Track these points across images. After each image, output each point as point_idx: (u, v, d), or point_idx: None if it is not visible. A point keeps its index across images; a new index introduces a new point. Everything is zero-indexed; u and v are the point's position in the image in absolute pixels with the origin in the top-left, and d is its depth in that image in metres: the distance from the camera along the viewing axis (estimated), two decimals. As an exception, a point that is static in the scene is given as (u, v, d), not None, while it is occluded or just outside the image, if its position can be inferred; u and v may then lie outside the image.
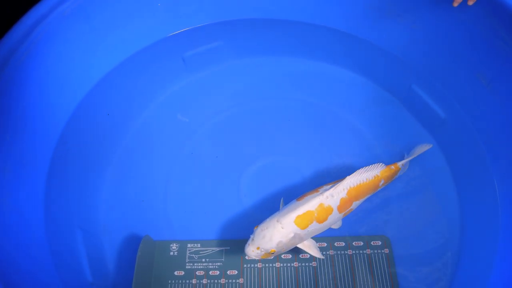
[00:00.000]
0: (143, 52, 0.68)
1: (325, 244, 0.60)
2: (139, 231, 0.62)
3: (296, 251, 0.59)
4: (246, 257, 0.53)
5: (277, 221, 0.51)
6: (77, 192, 0.60)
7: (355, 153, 0.67)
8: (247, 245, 0.52)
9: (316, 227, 0.53)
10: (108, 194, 0.64)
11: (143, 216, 0.63)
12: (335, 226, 0.58)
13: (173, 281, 0.58)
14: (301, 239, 0.53)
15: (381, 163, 0.57)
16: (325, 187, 0.55)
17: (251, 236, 0.52)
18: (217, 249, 0.60)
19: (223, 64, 0.75)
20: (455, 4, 0.55)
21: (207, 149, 0.68)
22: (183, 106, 0.72)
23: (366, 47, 0.69)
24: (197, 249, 0.60)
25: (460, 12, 0.57)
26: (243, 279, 0.58)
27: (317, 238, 0.60)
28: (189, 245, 0.60)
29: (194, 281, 0.58)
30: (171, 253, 0.60)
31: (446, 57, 0.62)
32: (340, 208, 0.54)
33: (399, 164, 0.59)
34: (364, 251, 0.59)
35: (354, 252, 0.59)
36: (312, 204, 0.52)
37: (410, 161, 0.63)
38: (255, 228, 0.52)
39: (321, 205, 0.52)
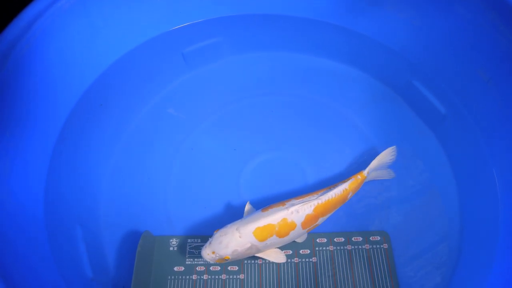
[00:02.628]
0: (142, 47, 0.68)
1: (325, 240, 0.60)
2: (139, 226, 0.62)
3: (296, 246, 0.59)
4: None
5: (237, 229, 0.51)
6: (77, 188, 0.60)
7: (355, 148, 0.67)
8: (203, 247, 0.51)
9: (276, 241, 0.52)
10: (108, 189, 0.64)
11: (143, 211, 0.63)
12: (299, 240, 0.57)
13: (173, 277, 0.58)
14: (258, 250, 0.53)
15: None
16: (292, 201, 0.54)
17: (210, 239, 0.51)
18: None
19: (222, 59, 0.75)
20: None
21: (207, 145, 0.68)
22: (182, 102, 0.72)
23: (366, 42, 0.69)
24: (197, 244, 0.60)
25: (461, 7, 0.57)
26: (243, 275, 0.58)
27: (316, 234, 0.60)
28: (189, 240, 0.60)
29: (194, 276, 0.58)
30: (171, 249, 0.60)
31: (446, 53, 0.62)
32: (304, 225, 0.53)
33: (365, 172, 0.59)
34: (363, 247, 0.59)
35: (353, 247, 0.59)
36: (275, 217, 0.51)
37: (411, 157, 0.63)
38: (215, 231, 0.52)
39: (284, 219, 0.51)
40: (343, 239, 0.60)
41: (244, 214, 0.57)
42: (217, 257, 0.51)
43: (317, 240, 0.60)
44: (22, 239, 0.48)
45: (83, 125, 0.62)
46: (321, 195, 0.54)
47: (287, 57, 0.75)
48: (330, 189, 0.55)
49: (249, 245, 0.50)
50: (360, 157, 0.66)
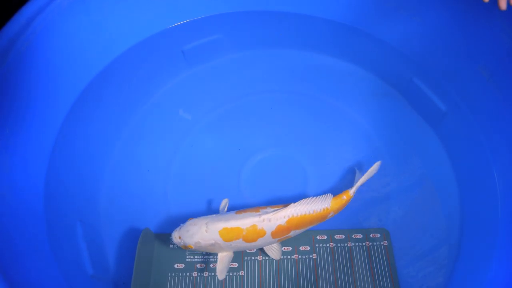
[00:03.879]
0: (142, 44, 0.68)
1: (325, 237, 0.60)
2: (139, 223, 0.62)
3: (296, 243, 0.59)
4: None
5: (206, 224, 0.52)
6: (77, 185, 0.60)
7: (355, 146, 0.67)
8: (175, 230, 0.53)
9: (242, 244, 0.53)
10: (108, 186, 0.64)
11: (143, 208, 0.63)
12: (273, 256, 0.57)
13: (173, 274, 0.58)
14: (221, 249, 0.53)
15: (329, 194, 0.55)
16: (268, 209, 0.54)
17: (181, 224, 0.54)
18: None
19: (223, 57, 0.75)
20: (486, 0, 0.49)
21: (207, 142, 0.68)
22: (183, 99, 0.72)
23: (367, 40, 0.69)
24: (197, 241, 0.60)
25: (461, 5, 0.57)
26: (243, 272, 0.58)
27: (316, 231, 0.60)
28: (189, 238, 0.60)
29: (194, 273, 0.58)
30: (171, 246, 0.60)
31: (447, 50, 0.62)
32: (274, 234, 0.53)
33: (351, 192, 0.57)
34: (364, 244, 0.59)
35: (353, 244, 0.59)
36: (245, 222, 0.52)
37: (411, 154, 0.63)
38: (189, 219, 0.54)
39: (254, 226, 0.52)
40: (343, 236, 0.60)
41: (220, 208, 0.58)
42: (182, 243, 0.53)
43: (317, 237, 0.60)
44: (22, 236, 0.48)
45: (83, 122, 0.62)
46: (299, 207, 0.53)
47: (288, 54, 0.75)
48: (311, 203, 0.54)
49: (212, 241, 0.52)
50: (361, 154, 0.66)
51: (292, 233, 0.55)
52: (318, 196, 0.55)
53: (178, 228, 0.53)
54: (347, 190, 0.57)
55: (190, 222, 0.53)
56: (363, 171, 0.60)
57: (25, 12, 0.52)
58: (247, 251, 0.59)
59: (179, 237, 0.53)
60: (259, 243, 0.53)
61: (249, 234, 0.52)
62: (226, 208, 0.58)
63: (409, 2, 0.62)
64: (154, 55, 0.70)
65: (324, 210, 0.54)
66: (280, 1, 0.68)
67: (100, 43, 0.62)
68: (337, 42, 0.72)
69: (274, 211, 0.52)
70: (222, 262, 0.54)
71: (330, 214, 0.56)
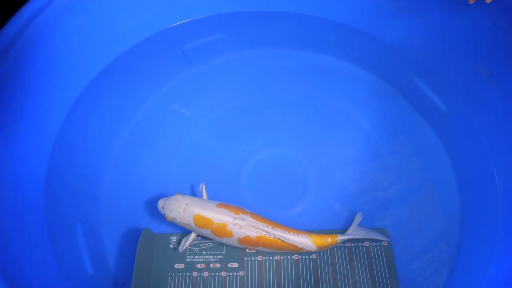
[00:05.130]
0: (142, 44, 0.67)
1: (325, 237, 0.60)
2: (139, 223, 0.62)
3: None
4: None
5: (186, 204, 0.55)
6: (77, 185, 0.60)
7: (356, 146, 0.67)
8: (162, 198, 0.57)
9: (210, 235, 0.55)
10: (108, 186, 0.64)
11: (144, 208, 0.63)
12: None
13: (173, 274, 0.58)
14: (194, 231, 0.56)
15: (313, 235, 0.55)
16: (247, 217, 0.55)
17: (169, 195, 0.57)
18: (218, 241, 0.60)
19: (223, 56, 0.75)
20: (471, 1, 0.54)
21: (207, 142, 0.68)
22: (183, 99, 0.72)
23: (367, 40, 0.69)
24: (197, 241, 0.60)
25: (461, 4, 0.57)
26: (244, 272, 0.58)
27: (316, 231, 0.60)
28: (189, 238, 0.60)
29: (194, 273, 0.58)
30: (171, 246, 0.60)
31: (447, 50, 0.62)
32: (241, 241, 0.55)
33: (338, 239, 0.56)
34: (363, 244, 0.59)
35: (353, 244, 0.59)
36: (218, 217, 0.54)
37: (411, 154, 0.63)
38: (177, 194, 0.57)
39: (224, 224, 0.54)
40: (343, 236, 0.60)
41: (199, 192, 0.60)
42: (162, 212, 0.56)
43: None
44: (22, 236, 0.48)
45: (83, 122, 0.62)
46: (276, 231, 0.54)
47: (288, 54, 0.75)
48: (291, 233, 0.54)
49: (186, 222, 0.55)
50: (361, 154, 0.66)
51: (261, 249, 0.56)
52: (302, 232, 0.55)
53: (164, 198, 0.57)
54: (336, 235, 0.56)
55: (175, 197, 0.56)
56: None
57: (25, 12, 0.52)
58: (247, 250, 0.59)
59: (162, 207, 0.56)
60: (225, 240, 0.56)
61: (218, 229, 0.54)
62: (204, 192, 0.60)
63: (409, 2, 0.62)
64: (154, 55, 0.70)
65: (303, 244, 0.55)
66: (280, 1, 0.68)
67: (100, 43, 0.62)
68: (337, 42, 0.72)
69: (251, 222, 0.54)
70: (190, 241, 0.57)
71: (307, 250, 0.55)
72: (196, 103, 0.72)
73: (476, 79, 0.59)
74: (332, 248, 0.59)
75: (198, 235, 0.59)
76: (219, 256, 0.59)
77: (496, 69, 0.57)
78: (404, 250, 0.59)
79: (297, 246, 0.55)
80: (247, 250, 0.59)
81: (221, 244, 0.60)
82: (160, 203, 0.57)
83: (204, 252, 0.59)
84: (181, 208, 0.55)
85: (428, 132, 0.67)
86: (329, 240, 0.56)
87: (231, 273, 0.58)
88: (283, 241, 0.54)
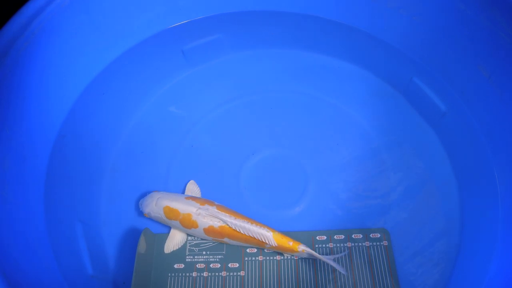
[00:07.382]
0: (142, 44, 0.67)
1: (325, 237, 0.60)
2: (139, 223, 0.62)
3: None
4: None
5: (158, 198, 0.58)
6: (77, 185, 0.60)
7: (355, 145, 0.67)
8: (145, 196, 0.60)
9: (180, 227, 0.58)
10: (108, 186, 0.64)
11: (143, 208, 0.63)
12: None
13: (173, 274, 0.58)
14: (168, 224, 0.59)
15: (275, 232, 0.55)
16: (211, 208, 0.56)
17: (150, 194, 0.60)
18: (218, 241, 0.60)
19: (223, 56, 0.75)
20: None
21: (207, 142, 0.68)
22: (182, 99, 0.72)
23: (366, 39, 0.69)
24: (197, 241, 0.60)
25: (461, 3, 0.57)
26: (244, 272, 0.58)
27: (316, 231, 0.60)
28: (189, 238, 0.60)
29: (194, 274, 0.58)
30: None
31: (447, 49, 0.62)
32: (207, 231, 0.56)
33: (299, 248, 0.55)
34: (363, 244, 0.59)
35: (353, 244, 0.59)
36: (183, 208, 0.57)
37: (411, 154, 0.63)
38: (154, 191, 0.60)
39: (189, 215, 0.56)
40: (343, 237, 0.60)
41: (186, 190, 0.63)
42: (141, 209, 0.59)
43: (317, 237, 0.60)
44: (22, 236, 0.48)
45: (82, 122, 0.62)
46: (237, 221, 0.55)
47: (288, 54, 0.75)
48: (253, 225, 0.55)
49: (159, 215, 0.58)
50: (360, 154, 0.66)
51: (227, 240, 0.57)
52: (266, 226, 0.56)
53: (144, 197, 0.60)
54: (300, 244, 0.55)
55: (151, 194, 0.59)
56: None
57: (25, 12, 0.52)
58: (248, 250, 0.59)
59: (140, 204, 0.59)
60: (193, 231, 0.57)
61: (185, 220, 0.56)
62: (195, 188, 0.63)
63: (409, 2, 0.62)
64: (154, 55, 0.70)
65: (264, 237, 0.55)
66: (280, 1, 0.68)
67: (100, 43, 0.62)
68: (337, 42, 0.72)
69: (214, 212, 0.56)
70: (171, 239, 0.59)
71: (269, 246, 0.56)
72: (196, 103, 0.72)
73: (476, 79, 0.59)
74: (332, 248, 0.59)
75: (189, 236, 0.60)
76: (219, 256, 0.59)
77: (496, 69, 0.57)
78: (404, 250, 0.59)
79: (258, 239, 0.55)
80: (248, 250, 0.59)
81: (221, 244, 0.60)
82: (141, 201, 0.60)
83: (204, 252, 0.59)
84: (153, 203, 0.58)
85: (428, 132, 0.67)
86: (290, 243, 0.55)
87: (231, 273, 0.58)
88: (243, 232, 0.55)
